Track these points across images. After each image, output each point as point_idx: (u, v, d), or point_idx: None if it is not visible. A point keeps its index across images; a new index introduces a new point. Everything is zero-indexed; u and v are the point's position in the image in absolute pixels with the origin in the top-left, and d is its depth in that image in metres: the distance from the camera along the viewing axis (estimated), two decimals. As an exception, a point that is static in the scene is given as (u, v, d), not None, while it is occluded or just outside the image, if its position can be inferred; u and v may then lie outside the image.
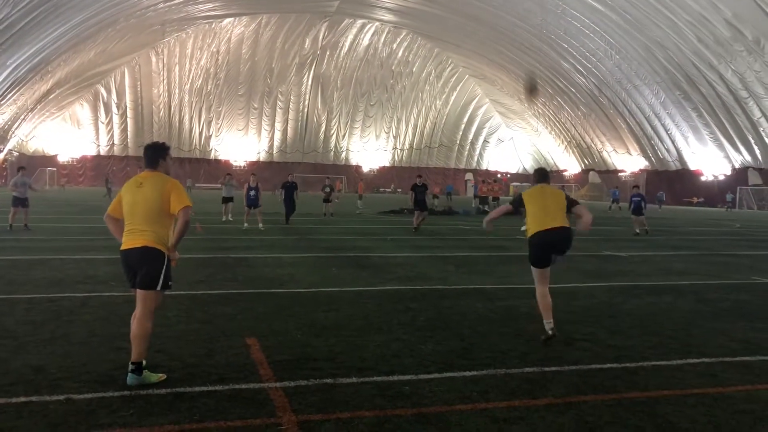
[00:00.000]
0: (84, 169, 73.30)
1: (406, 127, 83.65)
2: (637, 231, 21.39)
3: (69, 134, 72.87)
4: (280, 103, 77.36)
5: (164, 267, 4.88)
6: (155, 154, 5.07)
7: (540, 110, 74.33)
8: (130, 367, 4.73)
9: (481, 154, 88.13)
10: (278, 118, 78.25)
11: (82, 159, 73.78)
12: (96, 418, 4.08)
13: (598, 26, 52.42)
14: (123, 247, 4.94)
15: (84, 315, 7.06)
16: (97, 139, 74.44)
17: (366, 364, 5.37)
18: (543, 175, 7.21)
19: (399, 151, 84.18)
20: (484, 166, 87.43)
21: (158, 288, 4.89)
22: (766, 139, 51.25)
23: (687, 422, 4.27)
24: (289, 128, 79.07)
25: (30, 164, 69.83)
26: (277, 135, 79.10)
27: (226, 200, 22.77)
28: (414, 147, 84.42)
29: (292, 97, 77.50)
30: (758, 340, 6.69)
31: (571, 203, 6.80)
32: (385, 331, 6.62)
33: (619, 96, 60.32)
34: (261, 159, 78.56)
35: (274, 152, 79.27)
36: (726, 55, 47.13)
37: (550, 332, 6.25)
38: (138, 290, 4.89)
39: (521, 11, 54.59)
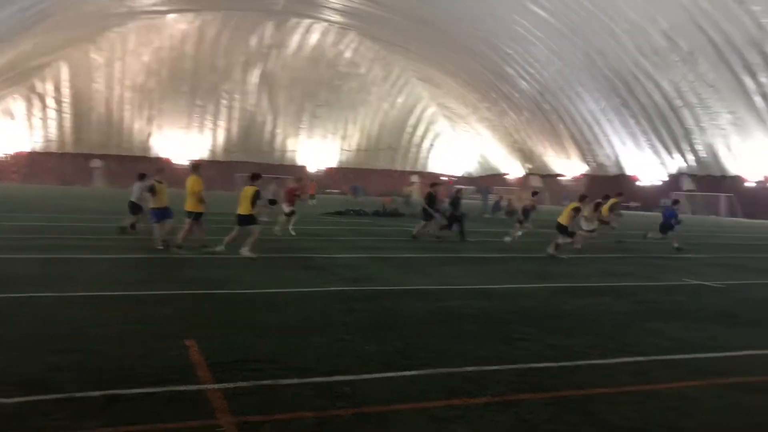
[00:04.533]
0: (18, 166, 70.63)
1: (353, 128, 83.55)
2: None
3: (2, 129, 70.06)
4: (224, 102, 76.18)
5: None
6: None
7: (485, 115, 75.38)
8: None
9: (427, 157, 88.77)
10: (222, 116, 76.99)
11: (16, 155, 71.02)
12: (26, 422, 3.94)
13: (541, 33, 53.52)
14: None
15: (14, 316, 6.81)
16: (32, 134, 71.81)
17: (308, 365, 5.34)
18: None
19: (346, 152, 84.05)
20: (429, 169, 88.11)
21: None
22: (698, 146, 53.26)
23: (619, 419, 4.40)
24: (233, 127, 77.88)
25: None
26: (221, 134, 77.84)
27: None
28: (361, 148, 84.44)
29: (237, 96, 76.40)
30: (688, 339, 6.94)
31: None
32: (327, 332, 6.60)
33: (560, 102, 61.71)
34: (204, 158, 77.21)
35: (218, 151, 77.97)
36: (662, 65, 48.81)
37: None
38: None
39: (468, 16, 55.27)
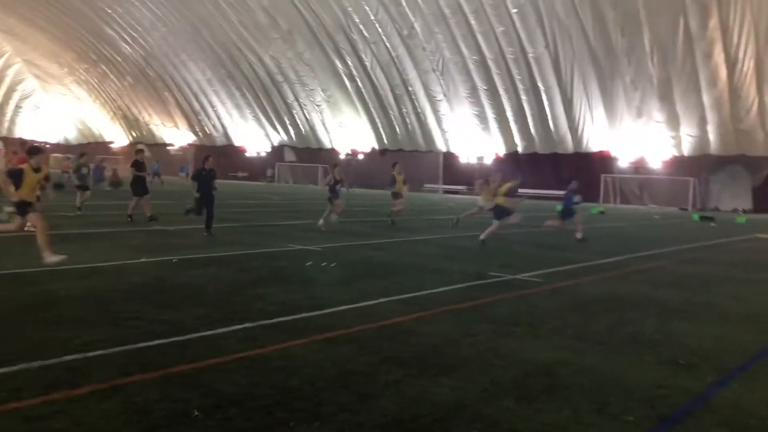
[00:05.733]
0: None
1: None
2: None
3: None
4: None
5: None
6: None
7: (83, 77, 69.46)
8: None
9: (13, 120, 78.06)
10: None
11: None
12: None
13: (144, -5, 51.39)
14: None
15: None
16: None
17: None
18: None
19: None
20: (17, 134, 77.69)
21: None
22: (298, 120, 57.62)
23: (229, 386, 4.53)
24: None
25: None
26: None
27: None
28: None
29: None
30: (291, 301, 7.48)
31: None
32: None
33: (166, 69, 60.35)
34: None
35: None
36: (264, 41, 51.29)
37: None
38: None
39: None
